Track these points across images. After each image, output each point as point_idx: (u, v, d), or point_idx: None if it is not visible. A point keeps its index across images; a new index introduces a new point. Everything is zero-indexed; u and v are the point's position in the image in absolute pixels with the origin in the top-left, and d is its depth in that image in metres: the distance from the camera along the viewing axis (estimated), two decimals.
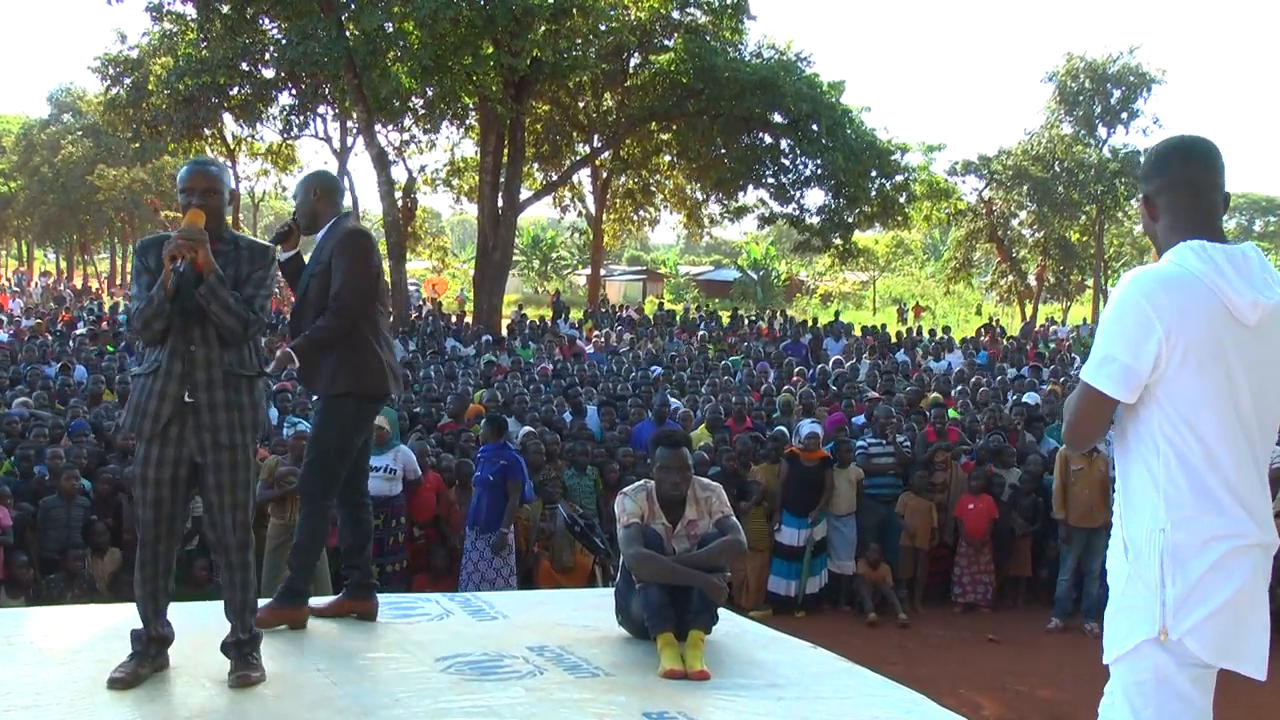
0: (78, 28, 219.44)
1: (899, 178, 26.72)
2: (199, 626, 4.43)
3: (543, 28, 21.13)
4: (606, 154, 29.00)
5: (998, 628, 10.03)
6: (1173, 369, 2.59)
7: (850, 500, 10.38)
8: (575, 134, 28.99)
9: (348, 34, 21.05)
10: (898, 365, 18.47)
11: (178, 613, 4.13)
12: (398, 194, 25.41)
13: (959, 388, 15.31)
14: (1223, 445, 2.62)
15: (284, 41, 23.04)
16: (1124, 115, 39.07)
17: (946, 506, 10.70)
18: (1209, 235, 2.70)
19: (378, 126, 24.72)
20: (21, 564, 8.04)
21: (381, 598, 5.10)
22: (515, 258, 42.17)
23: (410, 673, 4.24)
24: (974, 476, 10.63)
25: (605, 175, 31.81)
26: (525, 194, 27.08)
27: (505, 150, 23.96)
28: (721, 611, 5.01)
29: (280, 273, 4.64)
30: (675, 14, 25.18)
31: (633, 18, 24.86)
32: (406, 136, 29.73)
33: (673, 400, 13.01)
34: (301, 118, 28.60)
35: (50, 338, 18.52)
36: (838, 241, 27.45)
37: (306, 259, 4.88)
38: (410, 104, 24.80)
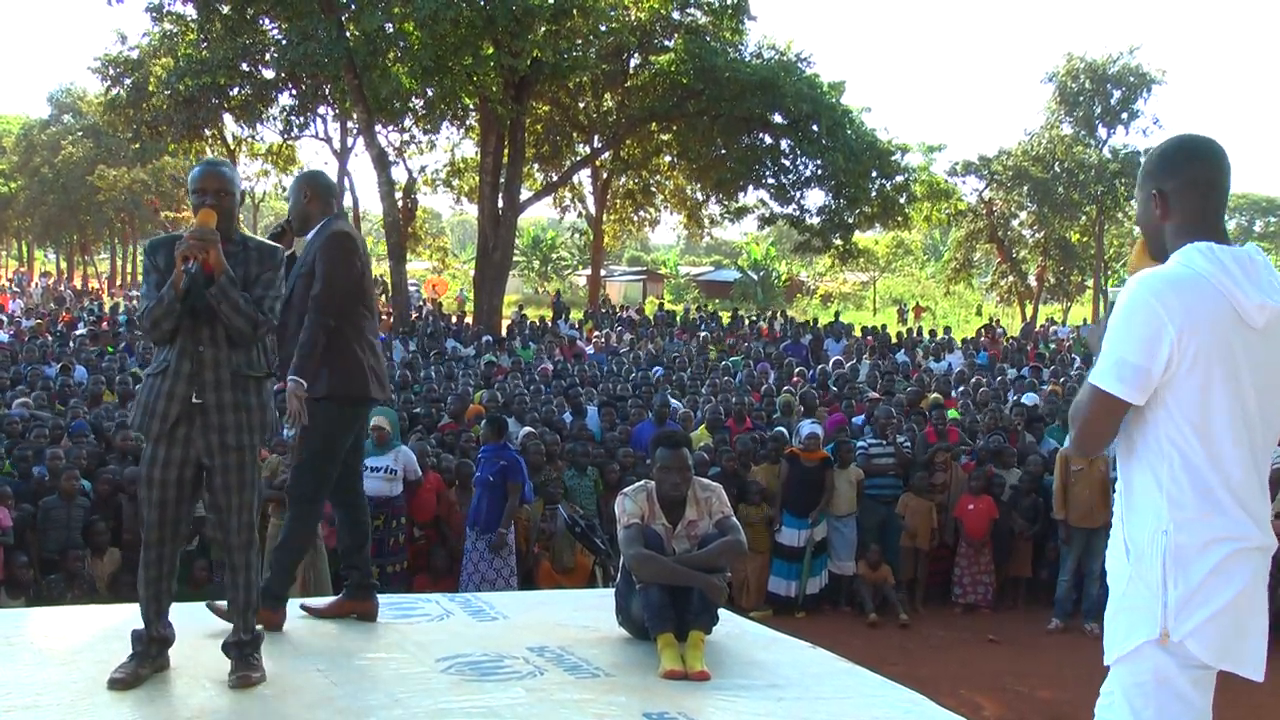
0: (78, 28, 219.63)
1: (899, 178, 26.73)
2: (199, 627, 4.44)
3: (543, 28, 21.14)
4: (607, 154, 29.02)
5: (998, 628, 10.03)
6: (1183, 371, 2.58)
7: (850, 501, 10.37)
8: (575, 134, 29.00)
9: (348, 34, 21.06)
10: (898, 366, 18.47)
11: (178, 613, 4.13)
12: (398, 194, 25.42)
13: (960, 389, 15.32)
14: (1228, 448, 2.61)
15: (284, 42, 23.05)
16: (1124, 116, 39.10)
17: (947, 507, 10.69)
18: (1216, 238, 2.69)
19: (378, 127, 24.73)
20: (21, 564, 8.04)
21: (382, 598, 5.10)
22: (515, 258, 42.20)
23: (410, 673, 4.24)
24: (974, 477, 10.63)
25: (605, 176, 31.83)
26: (525, 194, 27.10)
27: (505, 151, 23.97)
28: (722, 612, 5.01)
29: None
30: (675, 14, 25.19)
31: (633, 18, 24.87)
32: (407, 137, 29.76)
33: (673, 401, 13.01)
34: (302, 118, 28.61)
35: (50, 338, 18.51)
36: (838, 242, 27.45)
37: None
38: (410, 104, 24.80)
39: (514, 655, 4.51)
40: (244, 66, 24.96)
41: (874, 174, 25.89)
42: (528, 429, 10.78)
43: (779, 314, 31.13)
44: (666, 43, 25.53)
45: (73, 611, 5.45)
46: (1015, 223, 41.01)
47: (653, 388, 14.33)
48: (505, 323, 25.20)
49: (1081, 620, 9.89)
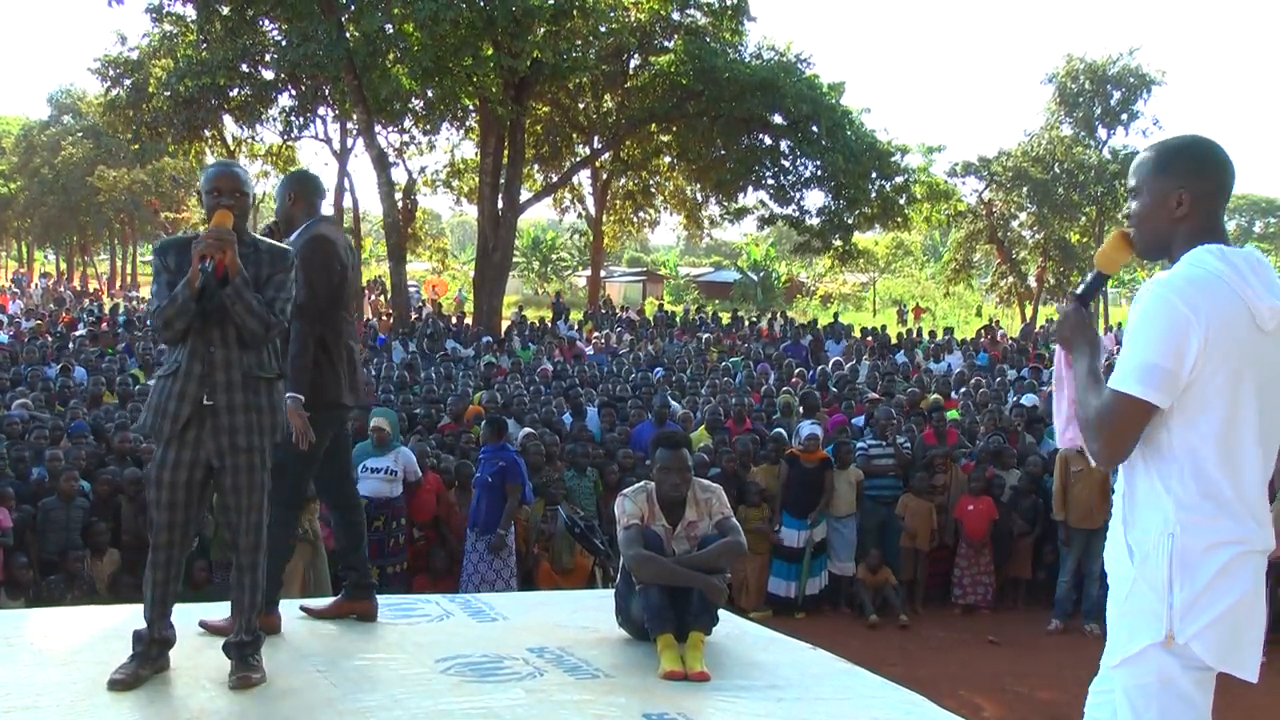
0: (78, 29, 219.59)
1: (899, 179, 26.69)
2: (199, 627, 4.44)
3: (543, 29, 21.14)
4: (606, 155, 29.00)
5: (998, 629, 10.03)
6: (1206, 374, 2.56)
7: (850, 502, 10.38)
8: (575, 135, 28.98)
9: (348, 35, 21.05)
10: (897, 367, 18.47)
11: (177, 613, 4.13)
12: (398, 195, 25.41)
13: (960, 390, 15.31)
14: (1238, 451, 2.61)
15: (284, 43, 23.06)
16: (1124, 117, 39.08)
17: (946, 508, 10.70)
18: (1225, 241, 2.71)
19: (378, 128, 24.72)
20: (21, 565, 8.04)
21: (381, 599, 5.10)
22: (515, 259, 42.20)
23: (410, 674, 4.24)
24: (974, 478, 10.63)
25: (605, 176, 31.81)
26: (525, 195, 27.09)
27: (505, 151, 23.96)
28: (721, 613, 5.02)
29: None
30: (675, 15, 25.17)
31: (633, 19, 24.86)
32: (406, 138, 29.74)
33: (672, 402, 13.01)
34: (301, 119, 28.60)
35: (50, 339, 18.51)
36: (838, 243, 27.43)
37: None
38: (410, 105, 24.80)
39: (514, 656, 4.51)
40: (244, 67, 24.94)
41: (874, 175, 25.86)
42: (527, 430, 10.78)
43: (778, 315, 31.11)
44: (666, 43, 25.52)
45: (72, 612, 5.44)
46: (1015, 224, 40.96)
47: (652, 389, 14.34)
48: (505, 324, 25.19)
49: (1081, 621, 9.90)
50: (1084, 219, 38.90)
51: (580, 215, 36.16)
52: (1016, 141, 40.50)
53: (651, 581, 4.77)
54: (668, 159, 29.54)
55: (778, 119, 25.03)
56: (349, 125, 30.03)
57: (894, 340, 23.27)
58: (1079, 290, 2.98)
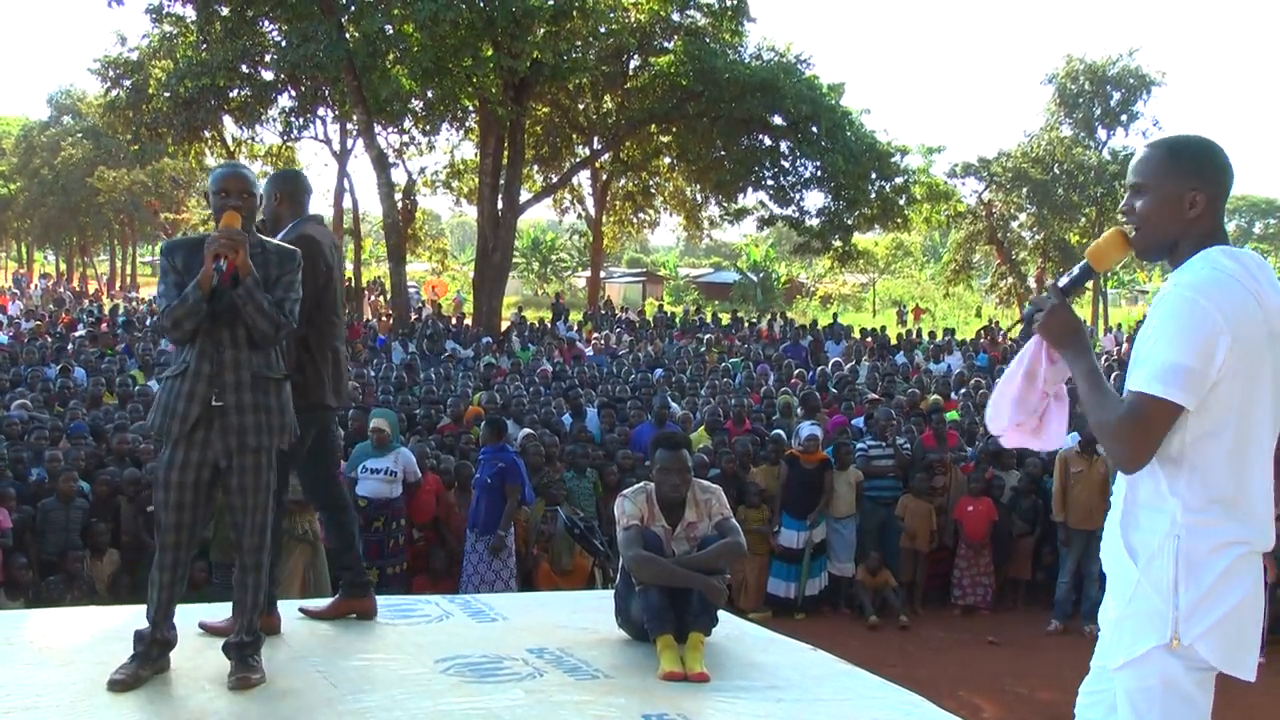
0: (78, 30, 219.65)
1: (899, 180, 26.70)
2: (198, 628, 4.44)
3: (542, 30, 21.14)
4: (606, 156, 28.99)
5: (997, 630, 10.03)
6: (1228, 375, 2.54)
7: (850, 502, 10.38)
8: (575, 136, 28.98)
9: (348, 36, 21.06)
10: (897, 367, 18.47)
11: (176, 614, 4.12)
12: (397, 196, 25.41)
13: (960, 390, 15.31)
14: (1249, 452, 2.61)
15: (284, 44, 23.05)
16: (1124, 118, 39.12)
17: (946, 509, 10.70)
18: (1229, 243, 2.71)
19: (377, 128, 24.72)
20: (21, 566, 8.04)
21: (381, 599, 5.10)
22: (515, 260, 42.17)
23: (410, 674, 4.24)
24: (973, 479, 10.64)
25: (605, 177, 31.81)
26: (525, 196, 27.09)
27: (505, 152, 23.96)
28: (721, 613, 5.01)
29: None
30: (675, 16, 25.18)
31: (632, 20, 24.86)
32: (406, 138, 29.74)
33: (672, 403, 13.01)
34: (301, 120, 28.60)
35: (50, 340, 18.51)
36: (837, 243, 27.43)
37: None
38: (410, 106, 24.79)
39: (513, 657, 4.51)
40: (244, 68, 24.93)
41: (873, 175, 25.86)
42: (526, 430, 10.78)
43: (778, 316, 31.12)
44: (666, 44, 25.52)
45: (72, 613, 5.44)
46: (1015, 224, 40.98)
47: (652, 389, 14.34)
48: (504, 324, 25.20)
49: (1081, 622, 9.90)
50: (1084, 220, 38.89)
51: (580, 216, 36.18)
52: (1016, 142, 40.58)
53: (651, 582, 4.77)
54: (667, 160, 29.54)
55: (777, 120, 25.03)
56: (349, 126, 30.01)
57: (893, 341, 23.27)
58: (1062, 283, 2.90)
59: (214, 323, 3.90)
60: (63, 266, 60.51)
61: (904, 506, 10.53)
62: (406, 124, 27.90)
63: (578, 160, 29.55)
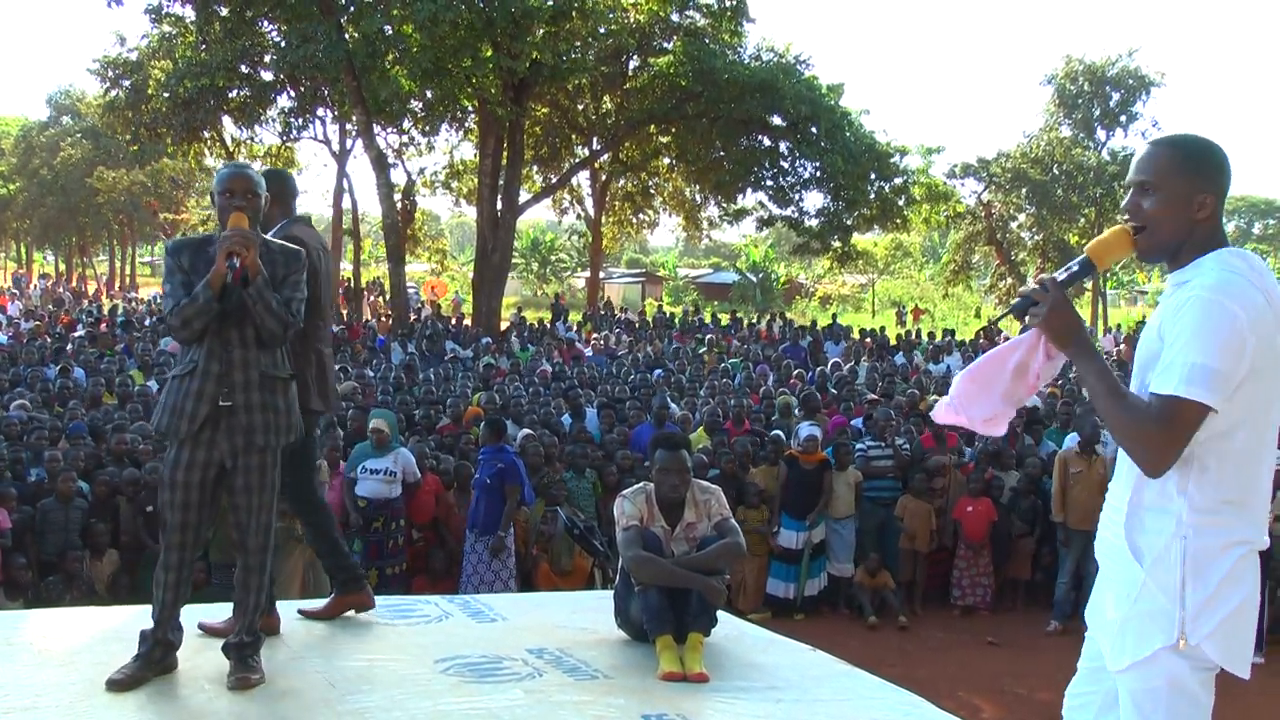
0: (77, 30, 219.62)
1: (898, 180, 26.70)
2: (197, 629, 4.44)
3: (542, 30, 21.14)
4: (605, 156, 28.99)
5: (997, 630, 10.03)
6: (1251, 376, 2.54)
7: (849, 503, 10.38)
8: (574, 136, 28.99)
9: (347, 37, 21.06)
10: (896, 368, 18.47)
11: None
12: (397, 196, 25.40)
13: None
14: (1259, 452, 2.62)
15: (283, 44, 23.04)
16: (1123, 118, 39.13)
17: (945, 510, 10.70)
18: (1228, 244, 2.72)
19: (377, 129, 24.71)
20: (20, 566, 8.04)
21: (380, 599, 5.10)
22: (514, 260, 42.18)
23: (409, 674, 4.24)
24: (973, 479, 10.63)
25: (604, 178, 31.81)
26: (524, 196, 27.09)
27: (504, 153, 23.96)
28: (720, 614, 5.01)
29: None
30: (674, 16, 25.18)
31: (632, 20, 24.87)
32: (405, 139, 29.73)
33: (671, 403, 13.01)
34: (300, 120, 28.60)
35: (49, 340, 18.51)
36: (837, 244, 27.43)
37: None
38: (409, 106, 24.79)
39: (513, 657, 4.51)
40: (243, 69, 24.92)
41: (873, 176, 25.86)
42: (526, 431, 10.77)
43: (777, 316, 31.11)
44: (665, 45, 25.52)
45: (71, 613, 5.43)
46: (1014, 225, 41.01)
47: (651, 390, 14.34)
48: (504, 325, 25.20)
49: (1080, 622, 9.87)
50: (1083, 220, 38.90)
51: (579, 216, 36.18)
52: (1015, 143, 40.65)
53: (650, 582, 4.77)
54: (667, 160, 29.53)
55: (777, 120, 25.03)
56: (348, 126, 29.99)
57: (893, 342, 23.26)
58: (1061, 276, 2.77)
59: (222, 322, 3.91)
60: (62, 267, 60.51)
61: (903, 507, 10.53)
62: (406, 124, 27.90)
63: (577, 161, 29.55)
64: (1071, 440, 10.60)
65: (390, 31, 21.17)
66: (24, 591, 7.99)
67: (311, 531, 5.04)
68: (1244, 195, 63.81)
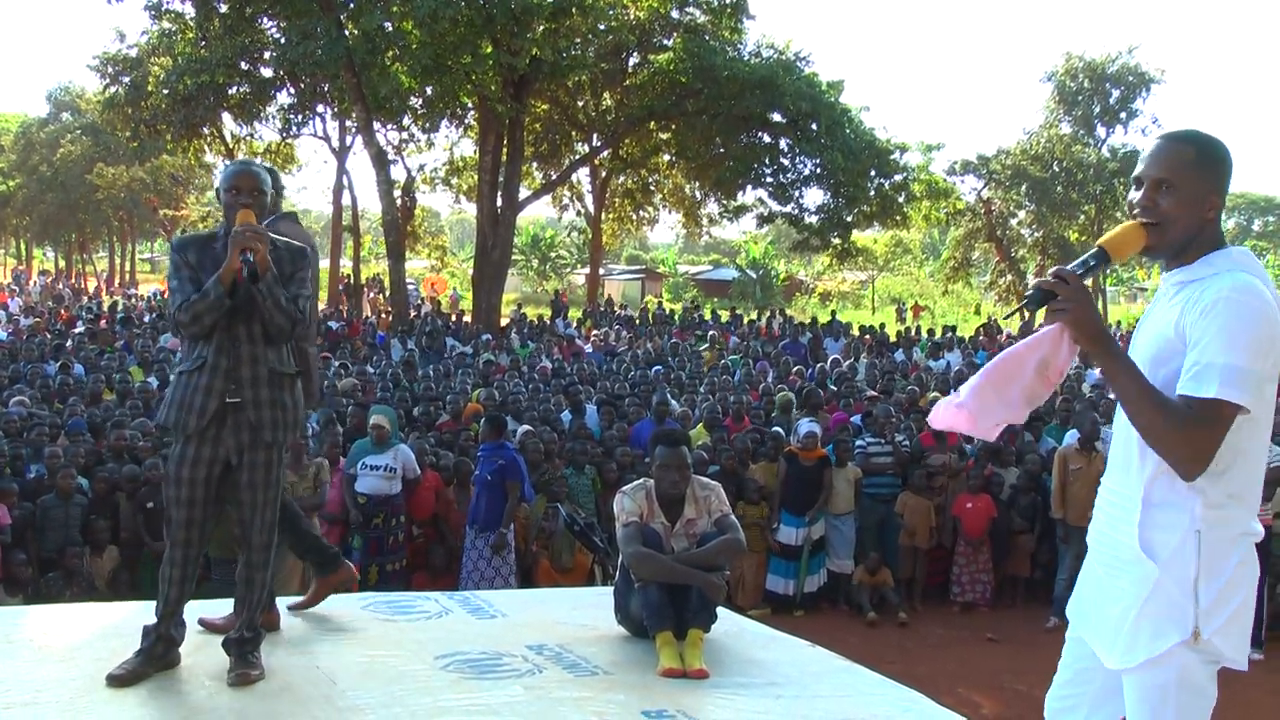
0: (77, 26, 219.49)
1: (898, 177, 26.70)
2: (197, 625, 4.44)
3: (542, 27, 21.13)
4: (605, 153, 29.01)
5: (996, 627, 10.04)
6: (1272, 374, 2.56)
7: (849, 499, 10.38)
8: (574, 133, 28.99)
9: (347, 33, 21.05)
10: (896, 365, 18.47)
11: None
12: (396, 193, 25.40)
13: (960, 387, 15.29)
14: (1259, 447, 2.65)
15: (283, 41, 23.04)
16: (1123, 115, 39.11)
17: (944, 508, 10.69)
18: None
19: (376, 125, 24.72)
20: (20, 562, 8.04)
21: (380, 595, 5.11)
22: (514, 257, 42.18)
23: (409, 670, 4.24)
24: (973, 476, 10.63)
25: (604, 174, 31.82)
26: (524, 193, 27.08)
27: (504, 149, 23.96)
28: (720, 610, 5.02)
29: None
30: (674, 13, 25.18)
31: (632, 17, 24.87)
32: (405, 135, 29.73)
33: (671, 400, 13.00)
34: (300, 117, 28.60)
35: (49, 336, 18.51)
36: (836, 241, 27.44)
37: None
38: (409, 103, 24.80)
39: (513, 653, 4.51)
40: (243, 65, 24.93)
41: (872, 173, 25.87)
42: (525, 427, 10.77)
43: (777, 313, 31.11)
44: (665, 42, 25.52)
45: (71, 609, 5.44)
46: (1014, 222, 41.02)
47: (651, 386, 14.33)
48: (504, 321, 25.20)
49: None
50: (1083, 217, 38.92)
51: (579, 213, 36.18)
52: (1015, 140, 40.59)
53: (650, 579, 4.77)
54: (667, 157, 29.55)
55: (777, 117, 25.03)
56: (348, 123, 30.03)
57: (892, 339, 23.27)
58: (1079, 270, 2.69)
59: (231, 318, 3.92)
60: (62, 263, 60.46)
61: (903, 504, 10.52)
62: (406, 121, 27.91)
63: (577, 157, 29.56)
64: (1071, 437, 10.59)
65: (390, 28, 21.16)
66: (24, 588, 7.99)
67: (282, 528, 5.03)
68: (1244, 192, 63.81)
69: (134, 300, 31.92)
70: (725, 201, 30.23)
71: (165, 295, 27.10)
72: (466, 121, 27.60)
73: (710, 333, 23.12)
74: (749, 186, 27.95)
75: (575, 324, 26.19)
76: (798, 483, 10.23)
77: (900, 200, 26.90)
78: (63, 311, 24.80)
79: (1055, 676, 3.02)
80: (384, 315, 27.03)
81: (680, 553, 4.92)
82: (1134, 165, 2.80)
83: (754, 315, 34.08)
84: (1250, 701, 6.58)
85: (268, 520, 4.03)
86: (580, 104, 27.96)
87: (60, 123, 51.36)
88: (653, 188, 32.94)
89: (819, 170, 25.68)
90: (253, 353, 3.96)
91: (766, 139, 26.35)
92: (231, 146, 29.97)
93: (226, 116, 28.30)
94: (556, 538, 9.31)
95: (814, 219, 27.15)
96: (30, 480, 8.89)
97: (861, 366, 17.79)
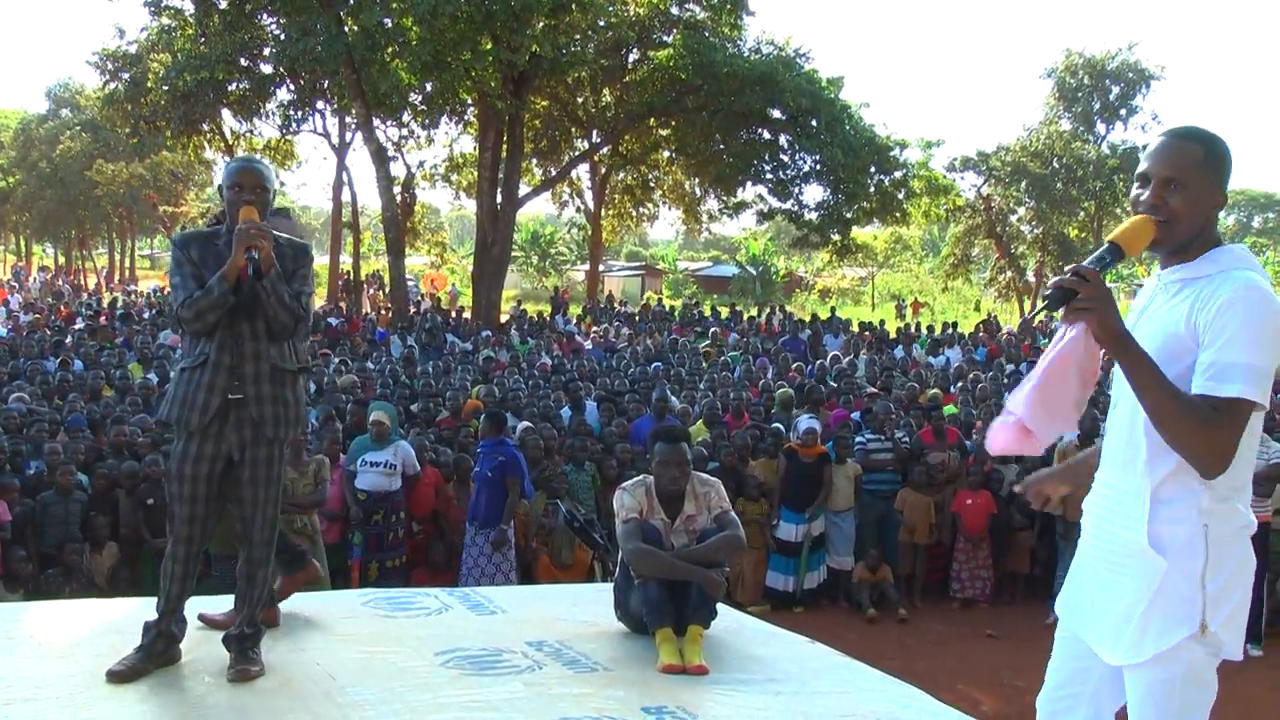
0: (76, 22, 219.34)
1: (898, 174, 26.67)
2: (197, 620, 4.44)
3: (541, 23, 21.12)
4: (605, 150, 28.97)
5: (996, 623, 10.04)
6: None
7: (849, 496, 10.39)
8: (574, 130, 28.96)
9: (346, 30, 21.03)
10: (895, 361, 18.47)
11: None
12: (396, 190, 25.39)
13: (958, 384, 15.30)
14: (1256, 440, 2.68)
15: (283, 37, 23.02)
16: (1123, 112, 39.14)
17: (943, 506, 10.68)
18: None
19: (376, 122, 24.70)
20: (20, 559, 8.04)
21: (380, 592, 5.11)
22: (514, 253, 42.16)
23: (409, 667, 4.24)
24: (972, 472, 10.63)
25: (604, 171, 31.78)
26: (524, 190, 27.07)
27: (504, 146, 23.94)
28: (720, 607, 5.02)
29: None
30: (674, 9, 25.16)
31: (631, 13, 24.85)
32: (405, 132, 29.68)
33: (670, 396, 13.00)
34: (300, 113, 28.57)
35: (49, 332, 18.50)
36: (836, 237, 27.42)
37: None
38: (409, 99, 24.77)
39: (512, 649, 4.51)
40: (242, 62, 24.91)
41: (872, 169, 25.83)
42: (525, 424, 10.77)
43: (777, 309, 31.09)
44: (665, 38, 25.49)
45: (71, 605, 5.43)
46: (1014, 218, 41.01)
47: (651, 383, 14.33)
48: (504, 317, 25.20)
49: None
50: (1082, 214, 38.94)
51: (579, 209, 36.15)
52: (1015, 136, 40.60)
53: (650, 575, 4.77)
54: (666, 153, 29.51)
55: (776, 113, 25.00)
56: (347, 119, 29.99)
57: (892, 335, 23.26)
58: (1095, 266, 2.64)
59: (234, 315, 3.92)
60: (61, 260, 60.41)
61: (903, 500, 10.53)
62: (405, 117, 27.83)
63: (577, 154, 29.53)
64: (1071, 435, 10.58)
65: (390, 24, 21.15)
66: (24, 584, 7.99)
67: None
68: (1244, 189, 63.77)
69: (134, 296, 31.90)
70: (725, 198, 30.18)
71: (166, 292, 27.15)
72: (466, 118, 27.57)
73: (713, 330, 23.12)
74: (749, 183, 27.93)
75: (575, 320, 26.19)
76: (797, 479, 10.24)
77: (900, 197, 26.87)
78: (62, 308, 24.79)
79: (1046, 678, 3.01)
80: (384, 312, 27.02)
81: (680, 549, 4.92)
82: (1134, 162, 2.83)
83: (754, 312, 34.06)
84: (1251, 698, 6.58)
85: (269, 517, 4.03)
86: (580, 100, 27.92)
87: (60, 119, 51.28)
88: (652, 184, 32.90)
89: (819, 166, 25.65)
90: (255, 349, 3.96)
91: (766, 135, 26.32)
92: (231, 143, 29.94)
93: (226, 113, 28.26)
94: (556, 534, 9.31)
95: (814, 215, 27.12)
96: (30, 476, 8.89)
97: (861, 363, 17.80)
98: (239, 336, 3.94)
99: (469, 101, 25.22)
